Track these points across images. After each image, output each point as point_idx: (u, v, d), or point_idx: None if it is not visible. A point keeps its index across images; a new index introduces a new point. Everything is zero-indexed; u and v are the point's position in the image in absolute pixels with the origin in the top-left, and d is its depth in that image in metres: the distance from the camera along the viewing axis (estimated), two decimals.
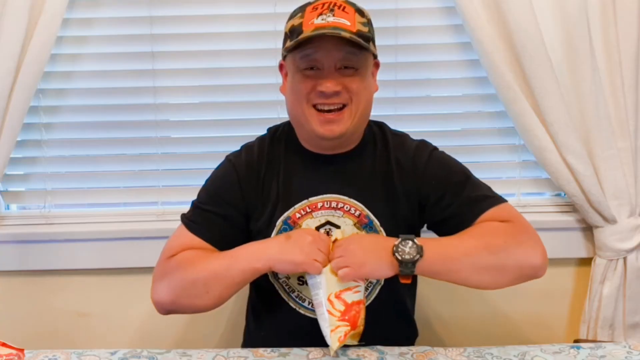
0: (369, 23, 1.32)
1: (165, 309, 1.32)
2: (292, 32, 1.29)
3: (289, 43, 1.30)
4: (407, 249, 1.21)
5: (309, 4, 1.33)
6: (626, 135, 1.74)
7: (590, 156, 1.74)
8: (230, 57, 1.84)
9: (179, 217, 1.87)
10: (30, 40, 1.67)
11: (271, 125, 1.51)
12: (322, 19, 1.26)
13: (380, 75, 1.41)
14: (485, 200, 1.35)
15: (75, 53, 1.82)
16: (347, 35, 1.23)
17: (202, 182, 1.86)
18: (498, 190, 1.91)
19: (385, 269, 1.22)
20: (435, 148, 1.44)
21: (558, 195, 1.92)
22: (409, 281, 1.25)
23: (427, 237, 1.28)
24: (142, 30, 1.82)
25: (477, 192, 1.37)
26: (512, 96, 1.71)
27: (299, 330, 1.37)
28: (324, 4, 1.29)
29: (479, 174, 1.89)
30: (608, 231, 1.78)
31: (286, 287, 1.38)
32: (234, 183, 1.38)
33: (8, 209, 1.95)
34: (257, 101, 1.86)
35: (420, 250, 1.21)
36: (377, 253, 1.22)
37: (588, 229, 1.84)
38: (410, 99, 1.88)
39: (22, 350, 1.16)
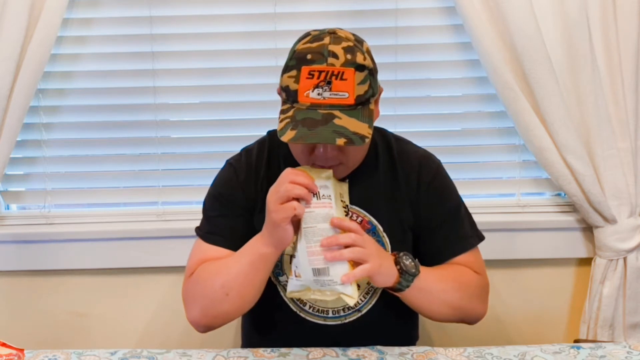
0: (369, 73, 1.23)
1: (201, 326, 1.33)
2: (287, 94, 1.23)
3: (284, 122, 1.23)
4: (409, 262, 1.25)
5: (305, 60, 1.21)
6: (626, 135, 1.74)
7: (590, 156, 1.74)
8: (230, 57, 1.84)
9: (178, 217, 1.88)
10: (30, 40, 1.67)
11: (271, 125, 1.50)
12: (319, 94, 1.19)
13: (380, 76, 1.40)
14: (464, 240, 1.41)
15: (75, 53, 1.83)
16: (342, 143, 1.17)
17: (202, 182, 1.88)
18: (498, 190, 1.93)
19: (391, 275, 1.23)
20: (440, 165, 1.44)
21: (558, 195, 1.92)
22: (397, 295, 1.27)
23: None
24: (142, 30, 1.82)
25: (460, 230, 1.42)
26: (512, 96, 1.71)
27: (299, 334, 1.36)
28: (320, 73, 1.19)
29: (479, 174, 1.91)
30: (608, 231, 1.78)
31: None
32: (235, 184, 1.39)
33: (8, 209, 1.95)
34: (257, 101, 1.86)
35: (418, 267, 1.26)
36: (387, 257, 1.25)
37: (588, 229, 1.84)
38: (410, 99, 1.87)
39: (22, 350, 1.16)
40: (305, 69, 1.20)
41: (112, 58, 1.83)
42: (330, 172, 1.23)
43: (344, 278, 1.15)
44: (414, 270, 1.24)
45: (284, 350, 1.30)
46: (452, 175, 1.45)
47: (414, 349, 1.31)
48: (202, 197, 1.45)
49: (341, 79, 1.20)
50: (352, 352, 1.28)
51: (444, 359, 1.27)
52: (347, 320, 1.36)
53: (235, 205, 1.38)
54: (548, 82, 1.68)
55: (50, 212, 1.90)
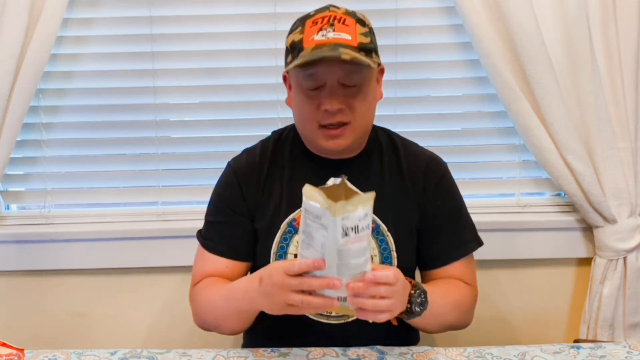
0: (370, 32, 1.30)
1: (203, 329, 1.40)
2: (293, 48, 1.28)
3: (289, 61, 1.28)
4: (420, 300, 1.20)
5: (308, 16, 1.29)
6: (626, 135, 1.74)
7: (590, 156, 1.74)
8: (230, 57, 1.84)
9: (178, 217, 1.88)
10: (30, 40, 1.67)
11: (271, 125, 1.50)
12: (323, 35, 1.24)
13: None
14: (464, 245, 1.42)
15: (75, 53, 1.83)
16: (347, 57, 1.20)
17: (202, 182, 1.88)
18: (498, 190, 1.93)
19: (400, 312, 1.20)
20: (447, 168, 1.44)
21: (558, 195, 1.92)
22: (395, 323, 1.25)
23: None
24: (142, 30, 1.82)
25: (461, 235, 1.42)
26: (512, 96, 1.71)
27: (300, 332, 1.37)
28: (323, 18, 1.27)
29: (479, 174, 1.91)
30: (608, 231, 1.78)
31: None
32: (234, 187, 1.39)
33: (8, 209, 1.95)
34: (257, 101, 1.86)
35: (425, 305, 1.22)
36: (404, 298, 1.18)
37: (588, 229, 1.84)
38: (410, 99, 1.87)
39: (22, 350, 1.16)
40: (309, 21, 1.27)
41: (112, 58, 1.83)
42: (372, 194, 1.07)
43: (360, 314, 1.11)
44: (420, 310, 1.20)
45: (283, 350, 1.30)
46: (453, 175, 1.45)
47: (414, 349, 1.31)
48: (202, 197, 1.46)
49: (343, 23, 1.26)
50: (352, 352, 1.28)
51: (444, 359, 1.27)
52: (349, 320, 1.36)
53: (233, 212, 1.39)
54: (548, 82, 1.68)
55: (50, 212, 1.90)
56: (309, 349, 1.29)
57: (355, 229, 1.05)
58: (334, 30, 1.24)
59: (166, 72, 1.84)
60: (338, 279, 1.06)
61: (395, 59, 1.82)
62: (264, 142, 1.44)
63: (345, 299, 1.10)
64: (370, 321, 1.14)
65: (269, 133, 1.48)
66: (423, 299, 1.21)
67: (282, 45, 1.77)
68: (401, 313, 1.19)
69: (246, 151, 1.45)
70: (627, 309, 1.81)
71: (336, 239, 1.04)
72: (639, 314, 1.83)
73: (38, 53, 1.68)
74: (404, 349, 1.30)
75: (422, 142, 1.48)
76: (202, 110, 1.89)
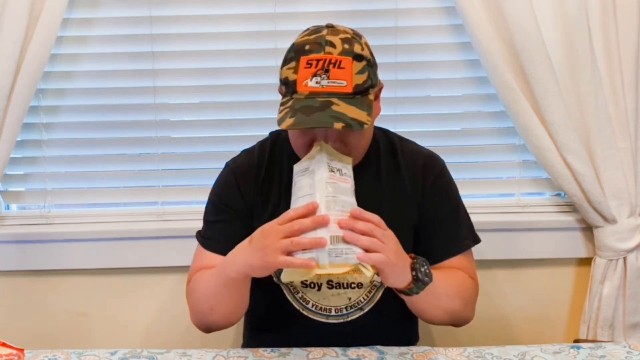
0: (368, 64, 1.24)
1: (202, 330, 1.37)
2: (287, 85, 1.24)
3: (284, 94, 1.26)
4: (424, 269, 1.21)
5: (303, 51, 1.22)
6: (626, 135, 1.74)
7: (590, 156, 1.74)
8: (230, 57, 1.84)
9: (178, 217, 1.89)
10: (30, 40, 1.67)
11: (271, 125, 1.50)
12: (317, 82, 1.20)
13: (380, 75, 1.40)
14: (460, 242, 1.41)
15: (75, 53, 1.83)
16: (340, 126, 1.16)
17: (202, 182, 1.88)
18: (498, 190, 1.93)
19: (404, 280, 1.19)
20: (444, 165, 1.44)
21: (558, 195, 1.92)
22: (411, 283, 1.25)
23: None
24: (142, 30, 1.82)
25: (457, 232, 1.41)
26: (512, 96, 1.71)
27: (300, 332, 1.37)
28: (318, 61, 1.21)
29: (479, 174, 1.91)
30: (608, 231, 1.78)
31: (291, 288, 1.38)
32: (233, 186, 1.39)
33: (8, 209, 1.95)
34: (257, 101, 1.86)
35: (431, 275, 1.22)
36: (404, 258, 1.20)
37: (588, 229, 1.84)
38: (410, 99, 1.87)
39: (22, 350, 1.16)
40: (303, 59, 1.22)
41: (112, 58, 1.83)
42: (350, 159, 1.23)
43: (360, 256, 1.09)
44: (427, 279, 1.20)
45: (284, 350, 1.30)
46: (452, 175, 1.45)
47: (414, 348, 1.31)
48: (202, 197, 1.46)
49: (339, 67, 1.21)
50: (352, 352, 1.28)
51: (444, 359, 1.27)
52: (349, 319, 1.36)
53: (232, 210, 1.38)
54: (548, 82, 1.68)
55: (50, 212, 1.90)
56: (309, 349, 1.29)
57: (340, 172, 1.16)
58: (328, 78, 1.20)
59: (166, 72, 1.84)
60: (327, 215, 1.09)
61: (395, 59, 1.82)
62: (262, 143, 1.45)
63: (337, 239, 1.09)
64: (367, 264, 1.10)
65: (268, 133, 1.48)
66: (427, 270, 1.21)
67: (282, 45, 1.77)
68: (409, 284, 1.19)
69: (244, 152, 1.45)
70: (627, 309, 1.81)
71: (324, 174, 1.13)
72: (639, 314, 1.83)
73: (38, 53, 1.68)
74: (404, 349, 1.30)
75: (422, 142, 1.48)
76: (202, 110, 1.89)
